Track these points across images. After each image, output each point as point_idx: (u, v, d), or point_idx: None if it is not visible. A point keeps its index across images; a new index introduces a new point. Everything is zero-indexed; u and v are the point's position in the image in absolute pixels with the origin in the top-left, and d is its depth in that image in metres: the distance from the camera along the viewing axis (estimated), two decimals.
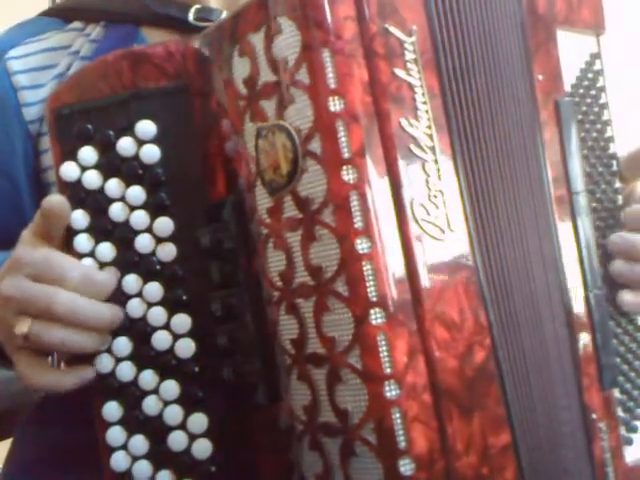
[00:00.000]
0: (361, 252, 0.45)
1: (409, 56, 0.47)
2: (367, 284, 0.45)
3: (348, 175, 0.45)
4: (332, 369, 0.46)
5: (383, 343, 0.45)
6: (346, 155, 0.45)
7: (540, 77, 0.56)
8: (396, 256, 0.46)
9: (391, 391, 0.44)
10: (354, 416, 0.45)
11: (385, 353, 0.45)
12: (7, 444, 0.76)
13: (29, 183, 0.74)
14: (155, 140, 0.57)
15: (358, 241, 0.45)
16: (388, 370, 0.45)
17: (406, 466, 0.44)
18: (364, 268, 0.45)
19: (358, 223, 0.45)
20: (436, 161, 0.48)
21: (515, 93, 0.55)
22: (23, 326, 0.51)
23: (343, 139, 0.45)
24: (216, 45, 0.54)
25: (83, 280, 0.52)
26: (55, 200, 0.54)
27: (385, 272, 0.45)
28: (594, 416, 0.54)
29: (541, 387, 0.51)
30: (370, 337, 0.45)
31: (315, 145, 0.46)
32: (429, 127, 0.48)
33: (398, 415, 0.44)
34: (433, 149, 0.48)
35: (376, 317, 0.45)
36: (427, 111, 0.48)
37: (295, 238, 0.48)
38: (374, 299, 0.45)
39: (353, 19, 0.46)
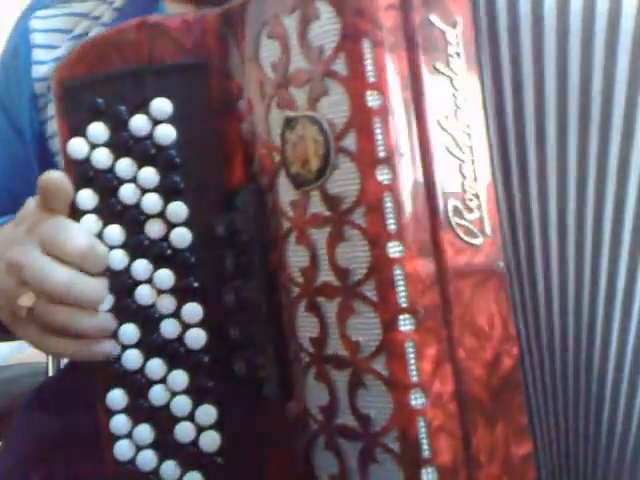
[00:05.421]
0: (392, 256, 0.43)
1: (452, 50, 0.45)
2: (397, 289, 0.43)
3: (382, 175, 0.43)
4: (355, 373, 0.45)
5: (411, 350, 0.43)
6: (382, 154, 0.43)
7: None
8: (428, 261, 0.44)
9: (417, 400, 0.43)
10: (376, 423, 0.44)
11: (412, 361, 0.43)
12: None
13: (34, 146, 0.72)
14: (171, 120, 0.54)
15: (390, 245, 0.43)
16: (415, 378, 0.43)
17: (429, 475, 0.43)
18: (395, 273, 0.43)
19: (391, 226, 0.43)
20: (473, 162, 0.46)
21: None
22: (27, 300, 0.50)
23: (379, 137, 0.43)
24: (240, 22, 0.51)
25: (87, 251, 0.51)
26: (53, 176, 0.52)
27: (416, 278, 0.44)
28: None
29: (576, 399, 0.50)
30: (398, 344, 0.43)
31: (349, 142, 0.44)
32: (468, 126, 0.45)
33: (423, 424, 0.43)
34: (471, 149, 0.46)
35: (405, 323, 0.43)
36: (466, 109, 0.46)
37: (321, 235, 0.46)
38: (404, 305, 0.43)
39: (396, 8, 0.43)
